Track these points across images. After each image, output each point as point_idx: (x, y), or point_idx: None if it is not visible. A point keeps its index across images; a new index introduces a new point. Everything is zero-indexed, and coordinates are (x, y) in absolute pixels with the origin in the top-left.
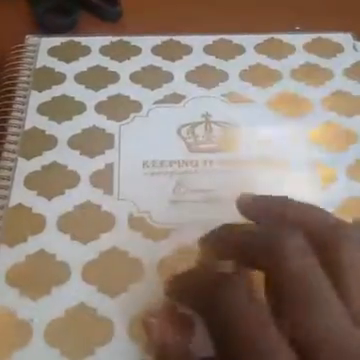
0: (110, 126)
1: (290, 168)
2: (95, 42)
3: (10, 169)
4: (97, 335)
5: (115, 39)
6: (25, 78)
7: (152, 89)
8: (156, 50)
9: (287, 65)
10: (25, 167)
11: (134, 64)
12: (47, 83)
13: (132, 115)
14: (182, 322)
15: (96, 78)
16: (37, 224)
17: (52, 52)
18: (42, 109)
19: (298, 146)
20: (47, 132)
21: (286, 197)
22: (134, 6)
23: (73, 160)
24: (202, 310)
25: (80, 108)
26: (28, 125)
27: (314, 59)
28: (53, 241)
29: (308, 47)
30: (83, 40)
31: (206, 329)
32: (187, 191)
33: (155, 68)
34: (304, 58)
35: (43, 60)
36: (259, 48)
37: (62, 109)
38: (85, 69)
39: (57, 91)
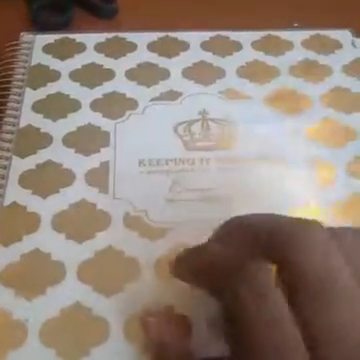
0: (105, 124)
1: (288, 165)
2: (90, 39)
3: (4, 167)
4: (93, 335)
5: (110, 36)
6: (20, 76)
7: (148, 86)
8: (152, 46)
9: (285, 62)
10: (20, 165)
11: (130, 61)
12: (42, 81)
13: (128, 113)
14: (180, 322)
15: (91, 75)
16: (32, 223)
17: (47, 49)
18: (37, 107)
19: (296, 143)
20: (42, 130)
21: None
22: (130, 3)
23: (68, 158)
24: (219, 294)
25: (75, 106)
26: (23, 123)
27: (312, 56)
28: (48, 240)
29: (306, 44)
30: (78, 37)
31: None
32: (184, 190)
33: (151, 65)
34: (302, 55)
35: (38, 57)
36: (256, 45)
37: (57, 107)
38: (80, 66)
39: (52, 89)
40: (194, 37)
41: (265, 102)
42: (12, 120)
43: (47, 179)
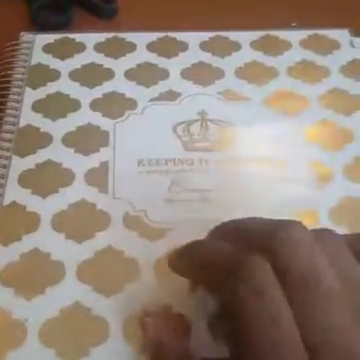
0: (105, 124)
1: (286, 166)
2: (90, 39)
3: (4, 167)
4: (92, 335)
5: (110, 36)
6: (20, 75)
7: (147, 86)
8: (151, 47)
9: (283, 62)
10: (19, 165)
11: (129, 61)
12: (42, 80)
13: (127, 112)
14: (178, 322)
15: (91, 75)
16: (31, 223)
17: (47, 49)
18: (37, 106)
19: (294, 144)
20: (42, 130)
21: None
22: (130, 3)
23: (68, 158)
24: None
25: (75, 105)
26: (22, 122)
27: (310, 56)
28: (48, 240)
29: (304, 43)
30: (78, 37)
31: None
32: (183, 190)
33: (150, 65)
34: (300, 55)
35: (38, 57)
36: (255, 45)
37: (57, 106)
38: (80, 66)
39: (52, 88)
40: (193, 37)
41: (263, 103)
42: (12, 120)
43: (47, 179)
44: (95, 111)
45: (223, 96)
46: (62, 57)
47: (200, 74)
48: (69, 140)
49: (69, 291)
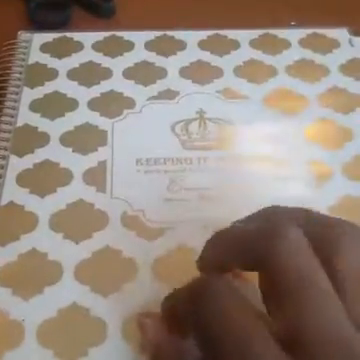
0: (103, 123)
1: (285, 165)
2: (88, 38)
3: (2, 167)
4: (90, 335)
5: (108, 34)
6: (17, 74)
7: (145, 85)
8: (149, 45)
9: (282, 61)
10: (17, 164)
11: (127, 60)
12: (39, 79)
13: (125, 112)
14: (177, 322)
15: (89, 74)
16: (29, 222)
17: (44, 48)
18: (34, 106)
19: (293, 143)
20: (39, 129)
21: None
22: (127, 2)
23: (65, 157)
24: (188, 314)
25: (73, 105)
26: (20, 122)
27: (309, 55)
28: (45, 240)
29: (303, 42)
30: (76, 36)
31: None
32: (181, 189)
33: (148, 64)
34: (299, 54)
35: (35, 56)
36: (254, 43)
37: (54, 106)
38: (78, 65)
39: (49, 87)
40: (192, 36)
41: (262, 102)
42: (9, 119)
43: (44, 178)
44: (93, 110)
45: (222, 95)
46: (60, 56)
47: (199, 73)
48: (67, 139)
49: (67, 291)
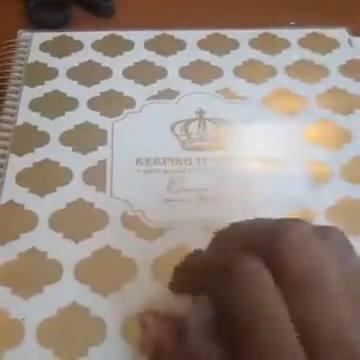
0: (103, 122)
1: (284, 166)
2: (87, 37)
3: (1, 166)
4: (90, 335)
5: (108, 34)
6: (17, 73)
7: (145, 85)
8: (149, 45)
9: (282, 61)
10: (17, 163)
11: (127, 59)
12: (39, 79)
13: (125, 111)
14: (178, 321)
15: (89, 74)
16: (29, 222)
17: (44, 47)
18: (34, 105)
19: (293, 144)
20: (39, 128)
21: None
22: (127, 1)
23: (65, 157)
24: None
25: (72, 104)
26: (20, 121)
27: (309, 55)
28: (45, 239)
29: (303, 42)
30: (75, 35)
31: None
32: (181, 189)
33: (148, 63)
34: (299, 54)
35: (35, 55)
36: (253, 43)
37: (54, 105)
38: (77, 64)
39: (49, 87)
40: (191, 36)
41: (262, 102)
42: (9, 118)
43: (44, 177)
44: (93, 110)
45: (221, 95)
46: (60, 55)
47: (198, 73)
48: (67, 139)
49: (67, 291)
